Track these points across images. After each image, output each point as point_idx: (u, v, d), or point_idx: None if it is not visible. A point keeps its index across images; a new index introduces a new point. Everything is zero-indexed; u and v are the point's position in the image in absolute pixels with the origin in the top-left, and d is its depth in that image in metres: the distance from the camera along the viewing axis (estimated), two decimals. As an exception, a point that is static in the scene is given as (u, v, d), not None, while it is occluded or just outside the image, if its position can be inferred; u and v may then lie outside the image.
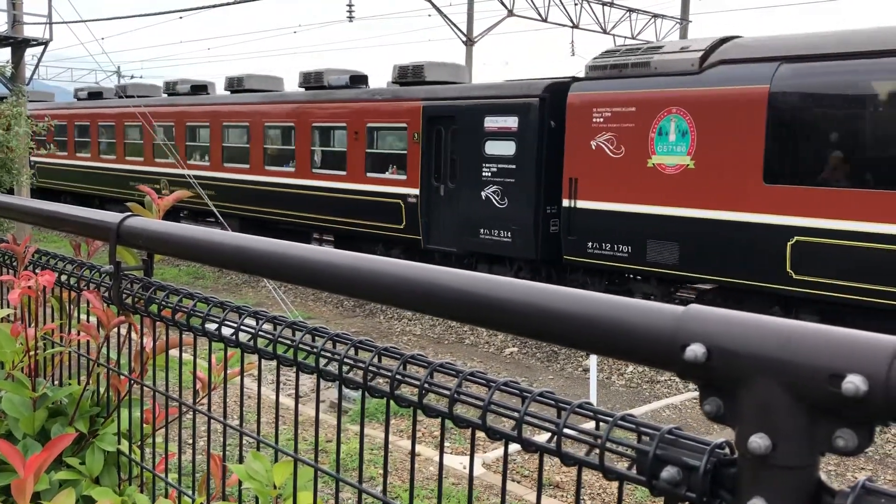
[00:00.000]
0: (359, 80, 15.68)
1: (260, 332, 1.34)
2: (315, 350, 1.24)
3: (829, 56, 9.28)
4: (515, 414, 0.94)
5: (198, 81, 19.85)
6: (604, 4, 26.77)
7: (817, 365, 0.70)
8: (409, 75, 14.28)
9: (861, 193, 8.94)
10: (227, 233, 1.46)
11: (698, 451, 0.79)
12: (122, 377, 1.83)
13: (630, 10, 27.62)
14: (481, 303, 1.00)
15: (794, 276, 9.51)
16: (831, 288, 9.21)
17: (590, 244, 11.25)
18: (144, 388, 1.80)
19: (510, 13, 25.01)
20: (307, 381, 7.93)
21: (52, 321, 2.02)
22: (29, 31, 20.12)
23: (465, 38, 25.32)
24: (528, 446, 0.94)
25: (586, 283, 11.93)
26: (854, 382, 0.67)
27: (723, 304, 9.90)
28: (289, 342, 1.29)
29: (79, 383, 1.95)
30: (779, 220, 9.53)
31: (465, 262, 13.07)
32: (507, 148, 12.09)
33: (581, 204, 11.28)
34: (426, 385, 1.05)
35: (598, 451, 0.86)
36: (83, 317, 1.97)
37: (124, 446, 1.80)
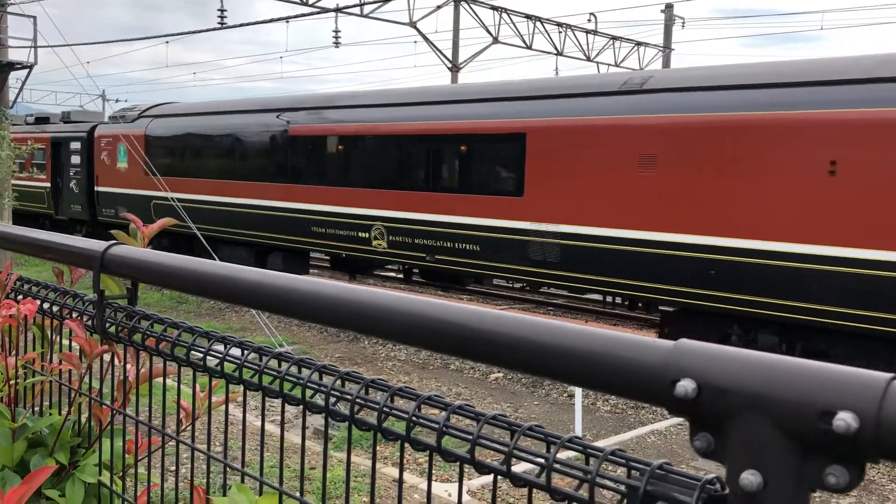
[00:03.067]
0: (42, 119, 25.83)
1: (246, 363, 1.33)
2: (301, 381, 1.22)
3: (179, 115, 19.09)
4: (504, 448, 0.93)
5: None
6: (587, 32, 27.06)
7: (808, 401, 0.70)
8: (68, 117, 24.60)
9: (173, 180, 17.59)
10: (212, 262, 1.44)
11: (689, 486, 0.79)
12: (104, 407, 1.80)
13: (613, 38, 27.94)
14: (468, 336, 0.99)
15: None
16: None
17: (104, 210, 20.64)
18: (127, 417, 1.77)
19: (495, 40, 25.23)
20: (293, 407, 7.79)
21: (34, 349, 1.99)
22: (13, 55, 20.09)
23: (450, 65, 25.49)
24: (517, 481, 0.93)
25: (108, 234, 19.46)
26: (845, 419, 0.67)
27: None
28: (274, 373, 1.27)
29: (60, 413, 1.91)
30: (147, 193, 18.67)
31: (68, 221, 22.80)
32: (77, 159, 21.80)
33: (100, 189, 20.75)
34: (414, 418, 1.04)
35: (587, 485, 0.85)
36: (65, 342, 1.95)
37: (105, 477, 1.77)
